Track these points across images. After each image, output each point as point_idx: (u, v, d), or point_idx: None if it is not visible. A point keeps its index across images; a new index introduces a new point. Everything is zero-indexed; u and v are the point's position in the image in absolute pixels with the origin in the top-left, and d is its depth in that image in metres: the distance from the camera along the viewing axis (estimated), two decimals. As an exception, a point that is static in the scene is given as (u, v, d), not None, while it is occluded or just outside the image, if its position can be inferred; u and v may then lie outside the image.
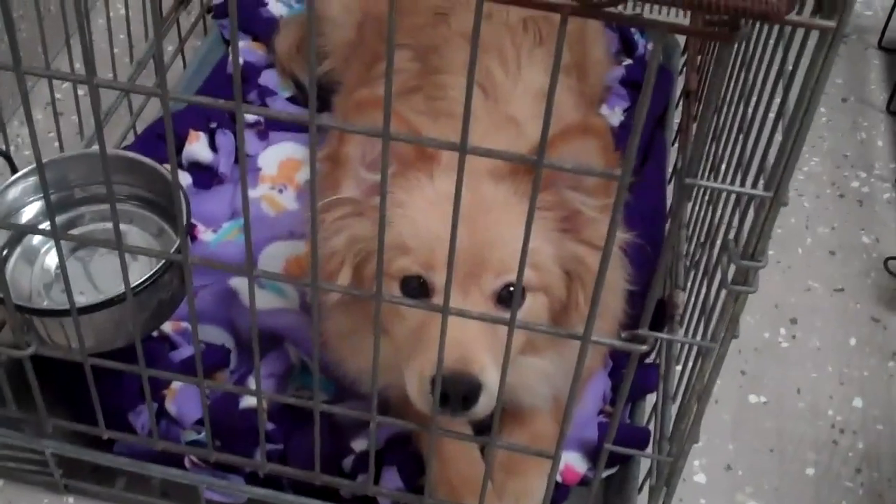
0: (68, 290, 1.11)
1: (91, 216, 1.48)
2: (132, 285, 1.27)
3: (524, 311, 1.23)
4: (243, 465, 1.33)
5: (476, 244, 1.19)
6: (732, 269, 0.97)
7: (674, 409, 1.35)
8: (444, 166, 1.21)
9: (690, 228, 1.64)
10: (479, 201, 1.20)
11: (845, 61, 2.40)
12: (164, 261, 1.31)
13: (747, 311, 1.77)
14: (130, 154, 1.48)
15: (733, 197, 1.17)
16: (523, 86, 1.56)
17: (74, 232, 1.47)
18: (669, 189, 1.86)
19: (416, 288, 1.21)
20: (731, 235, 1.05)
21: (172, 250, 1.31)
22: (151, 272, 1.31)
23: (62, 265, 1.09)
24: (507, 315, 1.20)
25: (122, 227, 1.45)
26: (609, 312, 1.44)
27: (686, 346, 1.41)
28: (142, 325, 1.36)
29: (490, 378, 1.14)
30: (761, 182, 1.00)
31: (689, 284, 1.53)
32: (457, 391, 1.13)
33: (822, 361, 1.74)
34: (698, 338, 1.16)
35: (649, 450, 1.43)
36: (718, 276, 1.05)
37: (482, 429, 1.48)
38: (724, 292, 1.01)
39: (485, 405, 1.16)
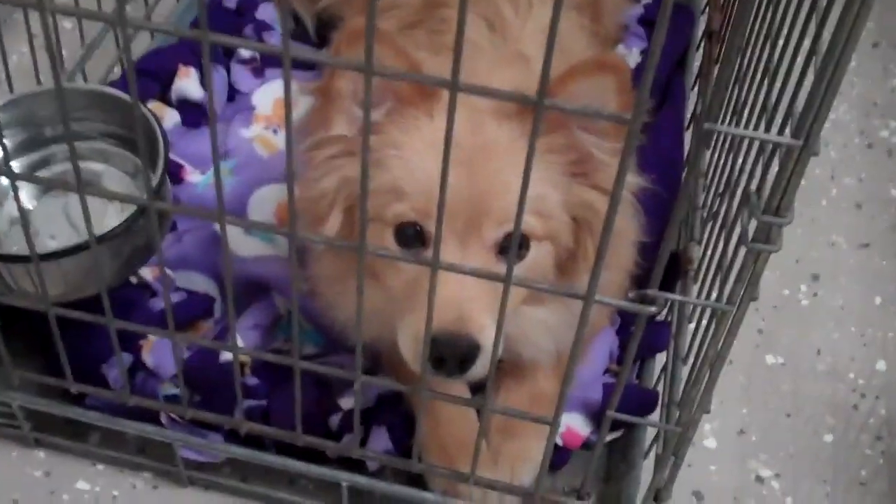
0: (27, 235, 1.02)
1: (64, 155, 1.38)
2: (107, 230, 1.20)
3: (527, 262, 1.14)
4: (221, 424, 1.24)
5: (477, 190, 1.09)
6: (753, 224, 0.87)
7: (685, 371, 1.26)
8: (446, 104, 1.11)
9: (709, 177, 1.54)
10: (481, 144, 1.11)
11: (877, 4, 2.25)
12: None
13: (766, 266, 1.68)
14: (107, 90, 1.38)
15: (756, 145, 1.06)
16: (534, 23, 1.47)
17: (46, 172, 1.37)
18: (688, 136, 1.74)
19: (412, 236, 1.12)
20: (753, 187, 0.95)
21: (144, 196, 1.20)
22: (126, 218, 1.21)
23: (20, 209, 1.00)
24: (505, 265, 1.13)
25: (97, 166, 1.39)
26: (618, 264, 1.35)
27: (706, 285, 1.31)
28: (115, 273, 1.27)
29: (489, 338, 1.06)
30: (788, 130, 0.90)
31: (705, 237, 1.43)
32: (453, 353, 1.05)
33: (845, 321, 1.64)
34: (713, 298, 1.06)
35: (657, 415, 1.34)
36: (738, 231, 0.94)
37: (479, 386, 1.40)
38: (743, 250, 0.91)
39: (483, 367, 1.07)
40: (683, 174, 1.65)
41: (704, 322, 1.17)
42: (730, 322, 0.95)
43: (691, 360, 1.21)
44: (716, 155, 1.46)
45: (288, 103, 0.81)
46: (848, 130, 1.97)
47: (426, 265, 0.91)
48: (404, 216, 1.11)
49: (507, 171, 1.10)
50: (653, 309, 0.93)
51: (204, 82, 1.76)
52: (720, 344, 0.98)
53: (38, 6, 0.81)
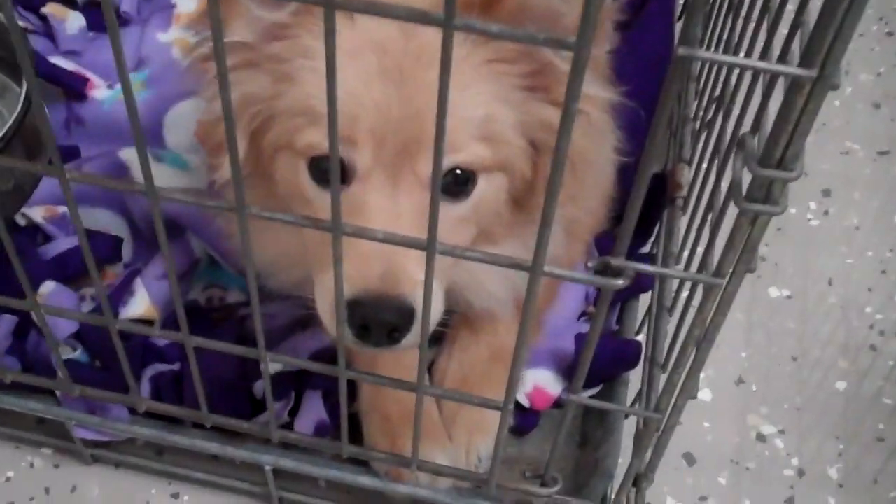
0: None
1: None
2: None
3: (474, 199, 0.92)
4: (115, 401, 1.04)
5: (410, 110, 0.86)
6: (749, 176, 0.64)
7: (671, 325, 1.05)
8: None
9: (702, 82, 1.31)
10: (415, 48, 0.87)
11: None
12: (-8, 141, 0.99)
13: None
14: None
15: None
16: None
17: None
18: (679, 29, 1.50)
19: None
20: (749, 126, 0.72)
21: (4, 128, 0.97)
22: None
23: None
24: (452, 205, 0.91)
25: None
26: (592, 195, 1.13)
27: (690, 236, 1.09)
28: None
29: (418, 296, 0.83)
30: (797, 46, 0.67)
31: (696, 157, 1.20)
32: (381, 320, 0.84)
33: (861, 244, 1.41)
34: (700, 257, 0.84)
35: (637, 373, 1.13)
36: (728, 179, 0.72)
37: (432, 340, 1.19)
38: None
39: (413, 336, 0.86)
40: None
41: (695, 265, 0.94)
42: (718, 298, 0.73)
43: (677, 315, 1.00)
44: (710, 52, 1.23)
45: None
46: (864, 16, 1.71)
47: (325, 230, 0.69)
48: (320, 146, 0.88)
49: (450, 86, 0.87)
50: (619, 282, 0.71)
51: (115, -22, 1.51)
52: (707, 321, 0.76)
53: None
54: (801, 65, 0.57)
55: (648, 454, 0.95)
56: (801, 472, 1.21)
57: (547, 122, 0.91)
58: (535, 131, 0.92)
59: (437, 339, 1.19)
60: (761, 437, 1.23)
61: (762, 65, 0.61)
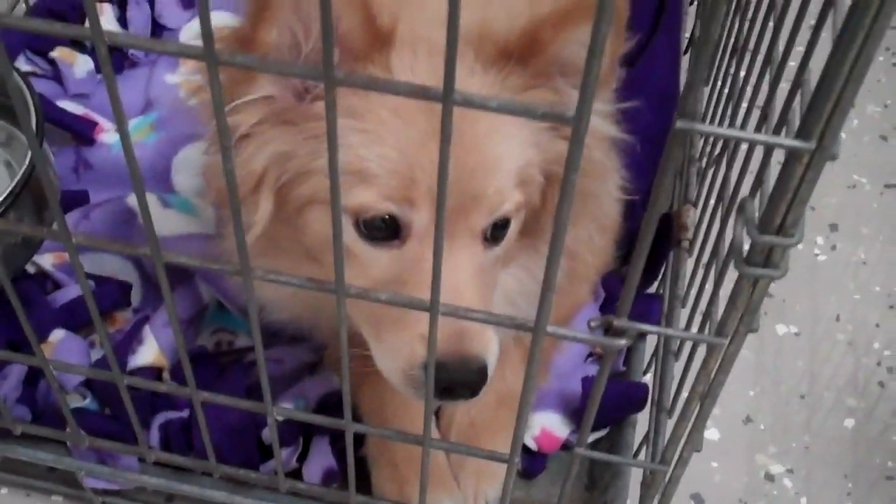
0: None
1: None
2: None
3: (507, 239, 0.94)
4: (124, 452, 1.05)
5: (464, 169, 0.86)
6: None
7: (678, 368, 1.05)
8: (407, 49, 0.89)
9: (707, 118, 1.31)
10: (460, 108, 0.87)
11: None
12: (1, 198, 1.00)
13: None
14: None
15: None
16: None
17: None
18: (685, 63, 1.51)
19: (383, 230, 0.88)
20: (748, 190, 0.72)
21: (8, 190, 0.98)
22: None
23: None
24: (490, 251, 0.91)
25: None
26: (594, 236, 1.14)
27: (696, 280, 1.09)
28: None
29: (493, 354, 0.87)
30: (798, 109, 0.67)
31: (703, 197, 1.21)
32: (465, 381, 0.85)
33: (868, 280, 1.41)
34: (700, 317, 0.84)
35: (645, 416, 1.13)
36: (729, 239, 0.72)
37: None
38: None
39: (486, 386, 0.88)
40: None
41: (704, 303, 0.95)
42: (721, 357, 0.74)
43: (683, 359, 1.00)
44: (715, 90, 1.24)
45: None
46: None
47: (421, 309, 0.69)
48: (373, 207, 0.87)
49: (494, 143, 0.88)
50: (622, 342, 0.71)
51: (123, 20, 1.53)
52: (711, 378, 0.76)
53: None
54: (799, 135, 0.57)
55: (655, 502, 0.95)
56: (810, 512, 1.21)
57: (561, 156, 0.92)
58: (550, 165, 0.93)
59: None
60: (770, 477, 1.23)
61: (761, 137, 0.61)
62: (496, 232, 0.91)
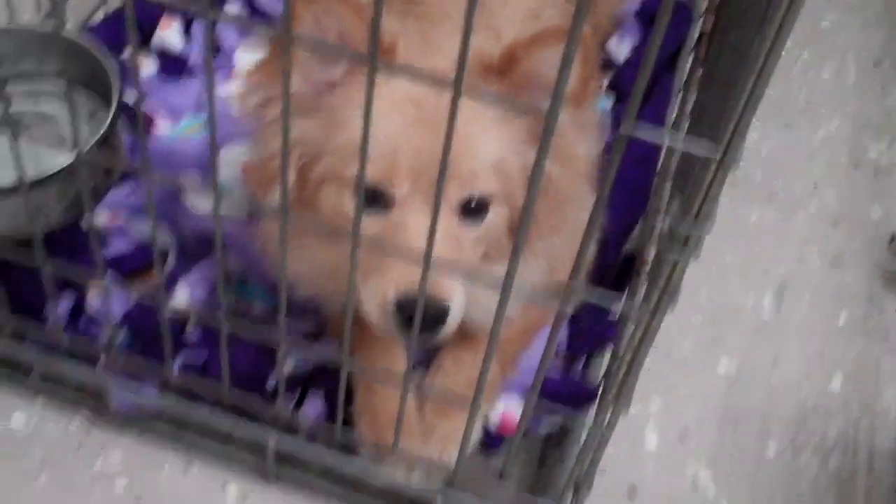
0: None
1: (20, 93, 1.37)
2: (51, 174, 1.19)
3: (486, 224, 1.15)
4: (151, 373, 1.24)
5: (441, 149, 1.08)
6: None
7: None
8: (405, 62, 1.10)
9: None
10: (444, 105, 1.09)
11: (883, 21, 2.24)
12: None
13: (732, 273, 1.67)
14: (67, 36, 1.36)
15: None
16: (514, 5, 1.47)
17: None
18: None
19: (373, 199, 1.10)
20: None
21: (89, 145, 1.19)
22: (68, 161, 1.21)
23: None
24: (469, 228, 1.12)
25: (55, 107, 1.38)
26: (573, 244, 1.34)
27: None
28: (60, 214, 1.26)
29: (456, 300, 1.08)
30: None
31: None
32: (424, 316, 1.02)
33: (805, 337, 1.62)
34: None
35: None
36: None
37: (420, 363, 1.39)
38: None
39: (448, 329, 1.09)
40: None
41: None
42: (643, 330, 0.93)
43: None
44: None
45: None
46: (836, 146, 1.94)
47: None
48: (366, 178, 1.09)
49: (473, 133, 1.09)
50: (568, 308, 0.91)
51: (185, 33, 1.76)
52: (635, 349, 0.96)
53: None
54: (708, 147, 0.78)
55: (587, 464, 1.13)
56: (727, 516, 1.39)
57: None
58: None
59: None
60: (696, 484, 1.41)
61: (679, 144, 0.81)
62: (473, 211, 1.11)
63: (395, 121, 1.09)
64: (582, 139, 1.15)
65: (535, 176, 0.77)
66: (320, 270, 1.26)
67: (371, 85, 0.75)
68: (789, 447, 1.46)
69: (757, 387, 1.53)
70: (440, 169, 0.80)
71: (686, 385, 1.52)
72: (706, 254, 1.65)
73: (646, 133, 0.78)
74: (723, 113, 0.93)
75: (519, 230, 0.81)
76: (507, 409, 1.36)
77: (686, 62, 1.86)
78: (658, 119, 1.71)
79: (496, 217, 1.15)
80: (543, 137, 0.75)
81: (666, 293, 0.91)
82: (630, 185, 1.59)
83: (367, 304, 1.10)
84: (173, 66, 1.71)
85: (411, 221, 1.08)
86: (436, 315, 1.06)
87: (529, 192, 0.78)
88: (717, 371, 1.55)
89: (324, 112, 1.12)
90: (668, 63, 1.85)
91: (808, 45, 2.17)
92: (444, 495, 1.23)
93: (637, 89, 0.72)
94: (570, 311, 1.43)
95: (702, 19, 1.91)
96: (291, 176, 1.15)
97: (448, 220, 1.10)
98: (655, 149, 1.68)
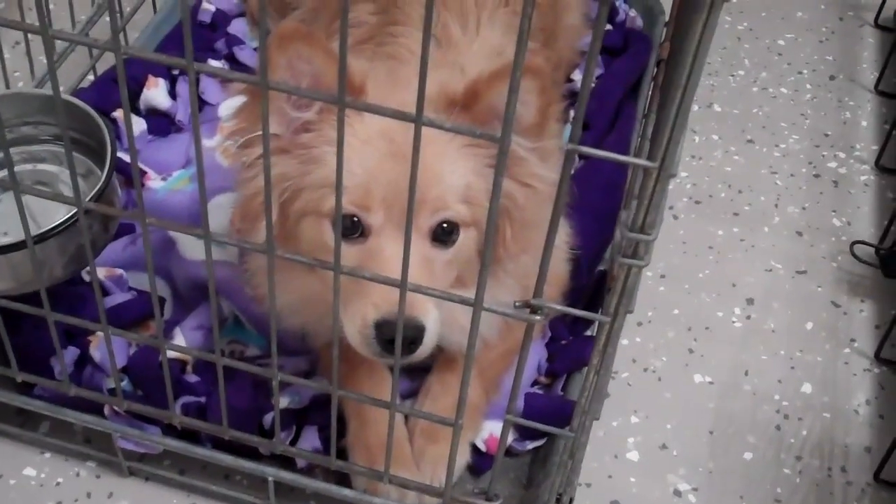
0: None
1: (21, 157, 1.46)
2: (53, 225, 1.27)
3: (456, 247, 1.23)
4: (155, 416, 1.31)
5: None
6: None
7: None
8: (372, 100, 1.19)
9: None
10: (412, 137, 1.18)
11: (839, 37, 2.33)
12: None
13: (703, 288, 1.75)
14: (64, 97, 1.45)
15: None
16: (479, 43, 1.55)
17: (2, 173, 1.45)
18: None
19: (350, 228, 1.19)
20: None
21: (88, 198, 1.28)
22: (67, 216, 1.29)
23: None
24: (441, 252, 1.20)
25: (53, 168, 1.47)
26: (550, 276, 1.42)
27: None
28: (63, 268, 1.34)
29: (431, 320, 1.16)
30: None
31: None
32: (403, 336, 1.08)
33: (775, 344, 1.70)
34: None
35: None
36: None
37: (409, 395, 1.47)
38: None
39: (426, 348, 1.17)
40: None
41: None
42: (606, 332, 1.01)
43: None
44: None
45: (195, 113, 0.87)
46: (797, 160, 2.03)
47: (329, 269, 0.98)
48: (343, 209, 1.17)
49: (439, 163, 1.19)
50: (538, 318, 0.99)
51: (171, 93, 1.84)
52: (602, 353, 1.04)
53: (41, 32, 0.87)
54: (648, 158, 0.86)
55: (567, 472, 1.21)
56: (708, 523, 1.47)
57: (507, 192, 1.21)
58: (501, 200, 1.22)
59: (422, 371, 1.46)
60: (678, 493, 1.48)
61: (622, 158, 0.89)
62: (443, 235, 1.20)
63: (369, 154, 1.17)
64: (545, 166, 1.23)
65: (494, 196, 0.85)
66: (306, 300, 1.34)
67: (341, 123, 0.83)
68: (766, 452, 1.54)
69: (732, 396, 1.61)
70: (409, 196, 0.87)
71: (664, 398, 1.60)
72: (677, 271, 1.76)
73: (588, 150, 0.86)
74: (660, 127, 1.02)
75: (485, 246, 0.89)
76: (496, 431, 1.44)
77: (647, 89, 1.95)
78: (622, 147, 1.79)
79: (466, 240, 1.23)
80: (498, 160, 0.83)
81: (623, 297, 0.99)
82: (601, 212, 1.67)
83: (348, 328, 1.18)
84: (161, 123, 1.80)
85: (386, 248, 1.17)
86: (412, 335, 1.14)
87: (490, 210, 0.86)
88: (693, 382, 1.62)
89: (298, 151, 1.21)
90: (631, 91, 1.94)
91: (766, 65, 2.26)
92: (435, 517, 1.30)
93: (580, 102, 0.79)
94: (541, 324, 1.55)
95: (659, 47, 2.00)
96: (274, 211, 1.23)
97: (420, 244, 1.19)
98: (623, 176, 1.76)
